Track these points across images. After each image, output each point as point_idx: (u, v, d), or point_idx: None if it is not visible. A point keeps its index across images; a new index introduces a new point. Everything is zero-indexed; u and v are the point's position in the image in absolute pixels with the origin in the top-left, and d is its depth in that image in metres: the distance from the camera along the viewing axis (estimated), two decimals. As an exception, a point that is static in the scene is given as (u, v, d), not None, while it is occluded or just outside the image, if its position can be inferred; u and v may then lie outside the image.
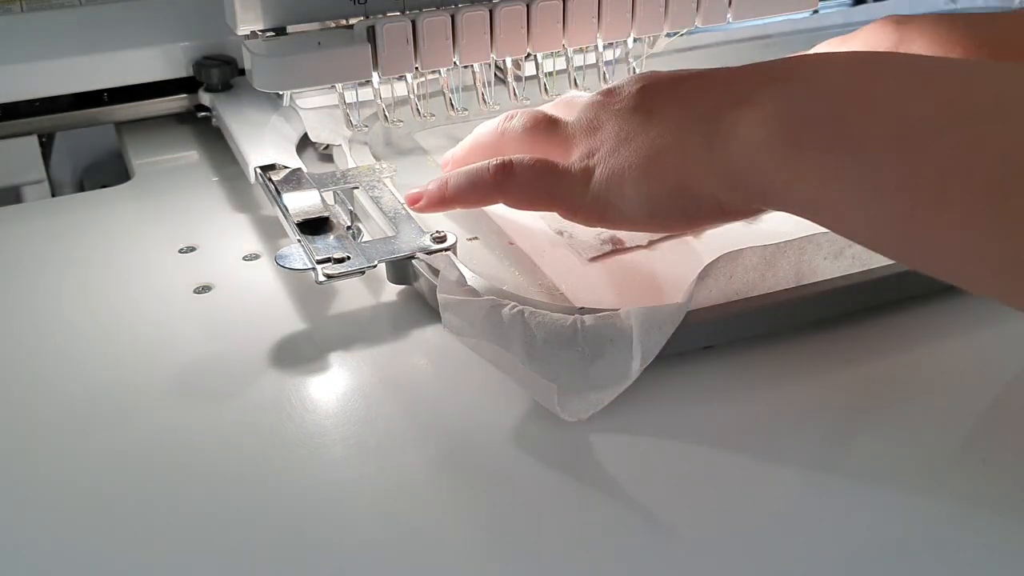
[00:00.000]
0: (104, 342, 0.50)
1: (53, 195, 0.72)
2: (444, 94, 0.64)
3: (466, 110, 0.66)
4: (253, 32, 0.58)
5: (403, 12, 0.58)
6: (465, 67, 0.62)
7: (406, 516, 0.40)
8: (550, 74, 0.67)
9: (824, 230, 0.47)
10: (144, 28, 0.70)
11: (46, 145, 0.73)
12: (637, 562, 0.38)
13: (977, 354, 0.49)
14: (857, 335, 0.49)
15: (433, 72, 0.62)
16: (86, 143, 0.76)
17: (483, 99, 0.65)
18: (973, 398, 0.46)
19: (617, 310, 0.46)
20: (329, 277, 0.49)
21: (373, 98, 0.62)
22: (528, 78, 0.68)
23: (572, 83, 0.68)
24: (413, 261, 0.51)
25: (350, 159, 0.62)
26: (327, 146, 0.64)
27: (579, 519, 0.40)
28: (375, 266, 0.50)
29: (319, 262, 0.50)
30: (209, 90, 0.69)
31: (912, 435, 0.44)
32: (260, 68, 0.57)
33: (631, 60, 0.70)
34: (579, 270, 0.54)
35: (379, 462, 0.42)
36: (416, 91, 0.64)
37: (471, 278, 0.48)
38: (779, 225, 0.52)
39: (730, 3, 0.66)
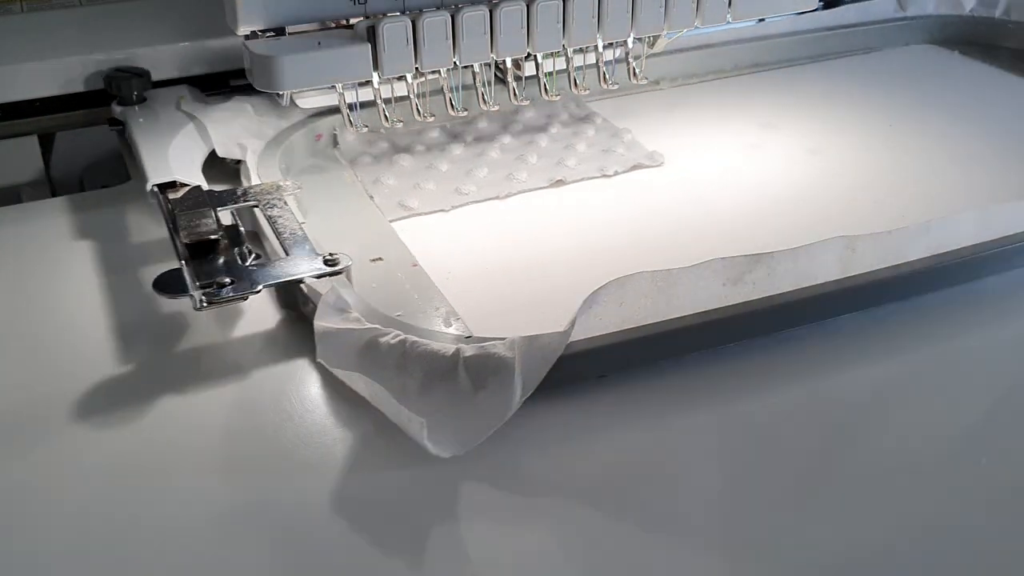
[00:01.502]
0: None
1: (54, 194, 0.70)
2: (444, 94, 0.64)
3: (466, 110, 0.65)
4: (253, 32, 0.57)
5: (403, 12, 0.58)
6: (465, 67, 0.62)
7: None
8: (550, 74, 0.67)
9: (727, 255, 0.46)
10: (55, 39, 0.68)
11: (46, 145, 0.71)
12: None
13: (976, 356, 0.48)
14: (763, 360, 0.47)
15: (433, 72, 0.62)
16: (86, 143, 0.74)
17: (483, 99, 0.65)
18: (973, 398, 0.45)
19: (503, 339, 0.44)
20: (209, 303, 0.47)
21: (373, 98, 0.62)
22: (528, 78, 0.68)
23: (572, 83, 0.68)
24: (302, 286, 0.49)
25: (255, 175, 0.60)
26: (237, 161, 0.62)
27: (453, 556, 0.38)
28: (258, 291, 0.48)
29: (202, 287, 0.48)
30: (122, 103, 0.67)
31: (912, 435, 0.43)
32: (260, 68, 0.56)
33: (631, 60, 0.70)
34: (481, 295, 0.52)
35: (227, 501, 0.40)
36: (416, 91, 0.63)
37: (357, 305, 0.46)
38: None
39: (730, 3, 0.66)
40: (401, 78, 0.62)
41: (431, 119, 0.65)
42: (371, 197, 0.61)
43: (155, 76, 0.69)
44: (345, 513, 0.39)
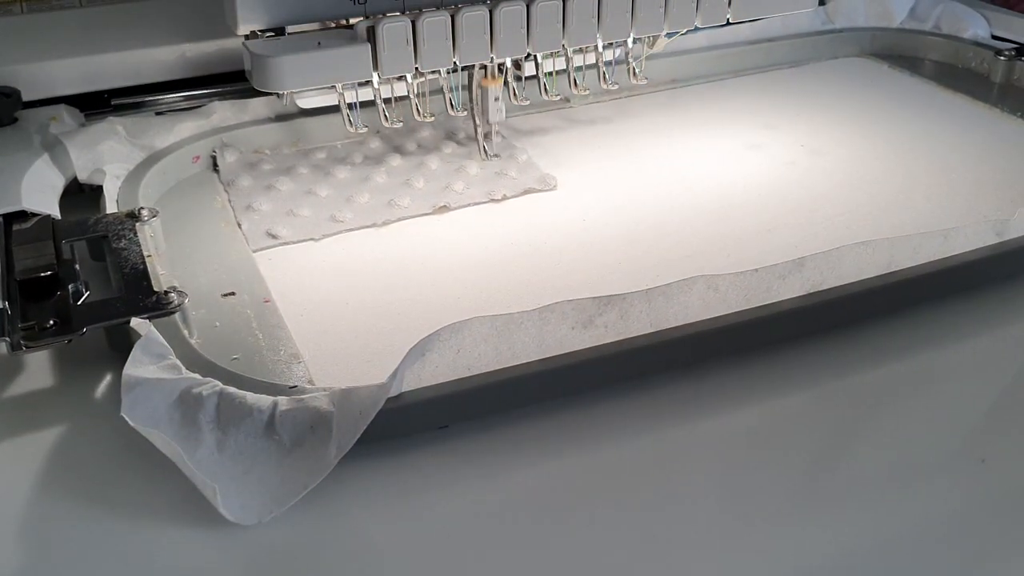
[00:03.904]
0: None
1: None
2: (443, 94, 0.63)
3: (465, 110, 0.65)
4: (253, 32, 0.57)
5: (403, 12, 0.59)
6: (465, 68, 0.62)
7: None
8: (550, 74, 0.66)
9: (577, 297, 0.43)
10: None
11: None
12: None
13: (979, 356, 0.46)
14: (616, 408, 0.44)
15: (433, 72, 0.61)
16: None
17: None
18: (973, 398, 0.44)
19: (326, 390, 0.41)
20: (23, 347, 0.44)
21: (373, 98, 0.62)
22: (528, 78, 0.67)
23: (572, 83, 0.67)
24: (132, 326, 0.46)
25: (111, 203, 0.56)
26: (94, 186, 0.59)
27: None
28: (81, 333, 0.45)
29: (24, 329, 0.45)
30: (-10, 123, 0.64)
31: (912, 435, 0.43)
32: (260, 68, 0.56)
33: (631, 60, 0.69)
34: (335, 335, 0.49)
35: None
36: (416, 91, 0.63)
37: (180, 350, 0.43)
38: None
39: (729, 3, 0.66)
40: (401, 78, 0.61)
41: (431, 119, 0.64)
42: (239, 224, 0.58)
43: (32, 95, 0.66)
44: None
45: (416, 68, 0.59)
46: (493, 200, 0.61)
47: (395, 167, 0.65)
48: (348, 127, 0.62)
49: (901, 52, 0.84)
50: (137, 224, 0.53)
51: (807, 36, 0.84)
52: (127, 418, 0.40)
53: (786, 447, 0.42)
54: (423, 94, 0.63)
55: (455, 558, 0.37)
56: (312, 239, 0.57)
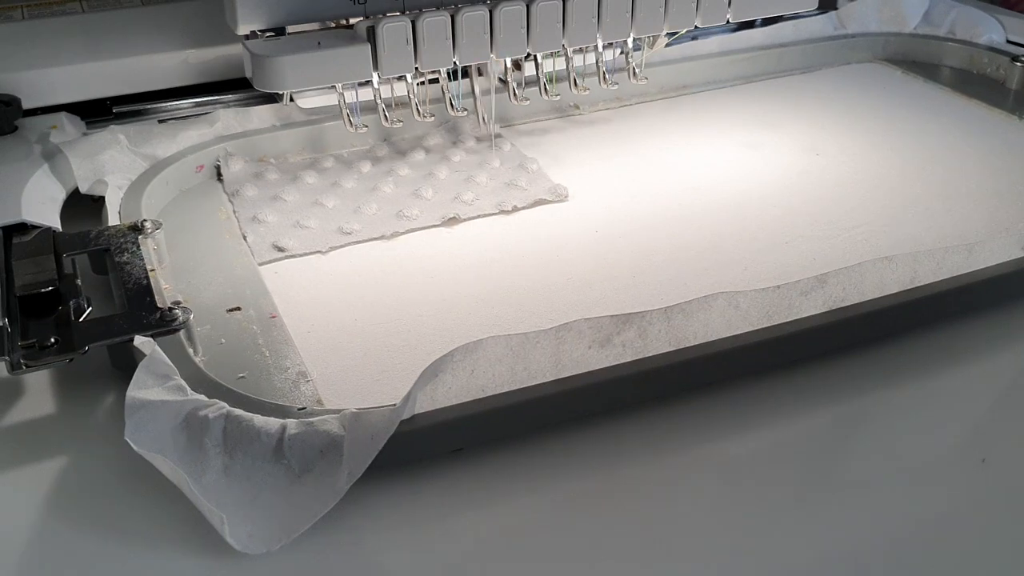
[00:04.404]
0: None
1: None
2: (444, 94, 0.64)
3: (466, 110, 0.65)
4: (253, 32, 0.57)
5: (403, 12, 0.59)
6: (465, 68, 0.63)
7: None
8: (550, 74, 0.66)
9: (592, 315, 0.41)
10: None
11: None
12: None
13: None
14: (621, 432, 0.43)
15: (433, 72, 0.62)
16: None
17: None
18: (973, 398, 0.44)
19: (338, 412, 0.39)
20: (25, 366, 0.43)
21: (373, 98, 0.62)
22: (528, 78, 0.67)
23: (572, 83, 0.67)
24: (136, 344, 0.45)
25: (113, 215, 0.55)
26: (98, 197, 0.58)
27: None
28: (84, 352, 0.44)
29: (24, 347, 0.44)
30: (-11, 132, 0.63)
31: (911, 435, 0.42)
32: (260, 68, 0.56)
33: (631, 60, 0.69)
34: (344, 351, 0.48)
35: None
36: (416, 91, 0.63)
37: (185, 370, 0.42)
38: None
39: (729, 3, 0.66)
40: (401, 78, 0.62)
41: (431, 119, 0.64)
42: (244, 236, 0.57)
43: (32, 103, 0.65)
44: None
45: (416, 68, 0.59)
46: (503, 211, 0.60)
47: (403, 176, 0.63)
48: (348, 127, 0.62)
49: (914, 58, 0.83)
50: (140, 237, 0.52)
51: (819, 41, 0.82)
52: (131, 442, 0.38)
53: (808, 466, 0.41)
54: (424, 85, 0.63)
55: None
56: (319, 252, 0.56)
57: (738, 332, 0.44)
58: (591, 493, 0.40)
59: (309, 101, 0.66)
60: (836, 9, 0.86)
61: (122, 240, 0.52)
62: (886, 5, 0.85)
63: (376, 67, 0.58)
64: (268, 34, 0.58)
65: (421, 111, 0.64)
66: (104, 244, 0.52)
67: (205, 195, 0.62)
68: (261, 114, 0.66)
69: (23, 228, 0.53)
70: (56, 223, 0.54)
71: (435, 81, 0.63)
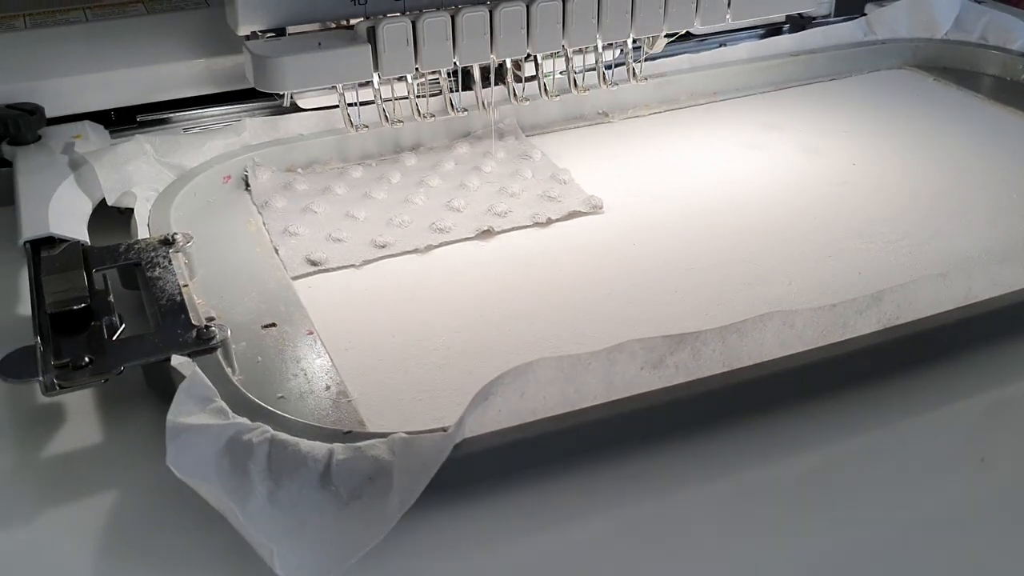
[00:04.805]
0: None
1: None
2: (444, 94, 0.64)
3: (465, 110, 0.66)
4: (254, 32, 0.57)
5: (403, 12, 0.59)
6: (465, 68, 0.63)
7: None
8: (550, 74, 0.66)
9: (636, 332, 0.40)
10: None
11: None
12: None
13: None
14: (689, 453, 0.41)
15: (433, 72, 0.62)
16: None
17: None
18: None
19: (386, 435, 0.38)
20: (60, 388, 0.41)
21: (373, 98, 0.62)
22: (528, 78, 0.67)
23: (572, 83, 0.67)
24: (174, 365, 0.43)
25: (143, 228, 0.54)
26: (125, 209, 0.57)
27: None
28: (119, 372, 0.42)
29: (57, 367, 0.42)
30: (14, 142, 0.61)
31: (912, 434, 0.42)
32: (261, 68, 0.56)
33: (631, 60, 0.69)
34: (384, 370, 0.46)
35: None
36: (416, 91, 0.63)
37: (225, 391, 0.41)
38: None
39: (729, 3, 0.66)
40: (401, 78, 0.61)
41: (431, 119, 0.64)
42: (276, 250, 0.56)
43: (55, 112, 0.64)
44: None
45: (416, 68, 0.59)
46: (538, 224, 0.59)
47: (434, 187, 0.62)
48: (348, 128, 0.62)
49: (946, 64, 0.82)
50: (171, 250, 0.51)
51: (849, 48, 0.81)
52: (173, 468, 0.37)
53: (860, 488, 0.40)
54: (423, 95, 0.63)
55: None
56: (353, 266, 0.54)
57: (791, 352, 0.43)
58: (644, 518, 0.39)
59: (310, 101, 0.66)
60: (865, 15, 0.84)
61: (153, 254, 0.51)
62: (916, 10, 0.83)
63: (376, 67, 0.58)
64: (269, 34, 0.58)
65: (422, 111, 0.64)
66: (134, 258, 0.51)
67: (233, 206, 0.60)
68: (288, 124, 0.65)
69: (51, 242, 0.51)
70: (84, 236, 0.53)
71: (436, 95, 0.63)
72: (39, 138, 0.62)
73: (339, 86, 0.60)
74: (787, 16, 0.85)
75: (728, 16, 0.66)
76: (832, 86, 0.79)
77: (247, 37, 0.57)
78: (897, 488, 0.40)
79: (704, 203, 0.61)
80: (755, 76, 0.78)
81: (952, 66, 0.81)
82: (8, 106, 0.62)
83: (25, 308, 0.52)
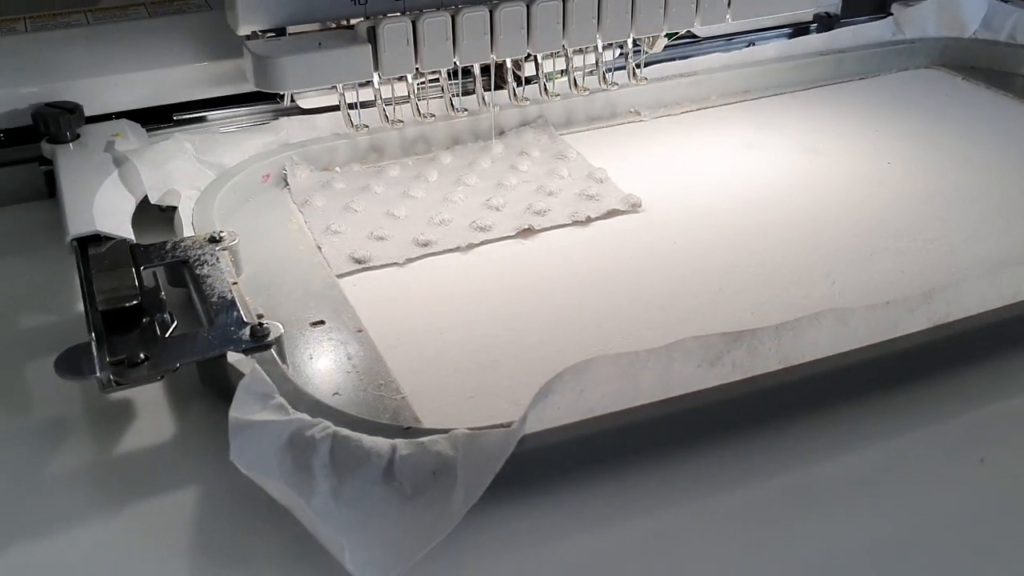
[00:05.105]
0: None
1: None
2: (444, 94, 0.64)
3: (466, 110, 0.66)
4: (254, 32, 0.57)
5: (403, 12, 0.58)
6: (465, 68, 0.63)
7: None
8: (550, 74, 0.66)
9: (684, 331, 0.40)
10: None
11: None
12: None
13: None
14: (746, 450, 0.42)
15: (433, 72, 0.62)
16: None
17: (483, 100, 0.65)
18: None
19: (447, 431, 0.38)
20: (116, 385, 0.42)
21: (373, 98, 0.62)
22: (528, 78, 0.67)
23: (572, 83, 0.67)
24: (231, 362, 0.43)
25: (188, 226, 0.54)
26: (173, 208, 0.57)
27: None
28: (175, 369, 0.43)
29: (112, 364, 0.42)
30: (52, 141, 0.61)
31: (912, 434, 0.42)
32: (261, 68, 0.56)
33: (631, 60, 0.69)
34: (434, 367, 0.47)
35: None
36: (416, 91, 0.63)
37: (283, 387, 0.41)
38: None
39: (729, 3, 0.66)
40: (401, 78, 0.61)
41: (431, 119, 0.64)
42: (319, 248, 0.56)
43: (92, 110, 0.64)
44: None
45: (416, 68, 0.59)
46: (577, 222, 0.59)
47: (472, 186, 0.62)
48: (349, 128, 0.62)
49: (974, 63, 0.82)
50: (218, 248, 0.51)
51: (877, 47, 0.81)
52: (237, 464, 0.37)
53: (912, 484, 0.40)
54: (423, 86, 0.63)
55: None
56: (396, 264, 0.55)
57: (844, 350, 0.43)
58: (704, 513, 0.39)
59: (310, 101, 0.66)
60: (891, 15, 0.84)
61: (200, 252, 0.51)
62: (944, 10, 0.83)
63: (377, 67, 0.58)
64: (269, 34, 0.57)
65: (422, 111, 0.64)
66: (182, 256, 0.51)
67: (273, 205, 0.61)
68: (324, 123, 0.65)
69: (96, 239, 0.52)
70: (129, 233, 0.53)
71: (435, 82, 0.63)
72: (78, 136, 0.62)
73: (339, 86, 0.60)
74: (814, 15, 0.85)
75: (728, 16, 0.66)
76: (862, 85, 0.79)
77: (247, 37, 0.57)
78: (900, 489, 0.40)
79: (740, 202, 0.61)
80: (785, 75, 0.78)
81: (980, 65, 0.81)
82: (47, 105, 0.62)
83: (71, 304, 0.52)
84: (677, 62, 0.76)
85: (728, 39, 0.83)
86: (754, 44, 0.81)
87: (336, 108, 0.63)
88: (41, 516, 0.39)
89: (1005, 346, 0.47)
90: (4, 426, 0.44)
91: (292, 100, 0.67)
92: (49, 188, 0.62)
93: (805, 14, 0.84)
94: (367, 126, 0.63)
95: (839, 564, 0.37)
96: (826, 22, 0.85)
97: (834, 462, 0.42)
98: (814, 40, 0.80)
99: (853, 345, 0.43)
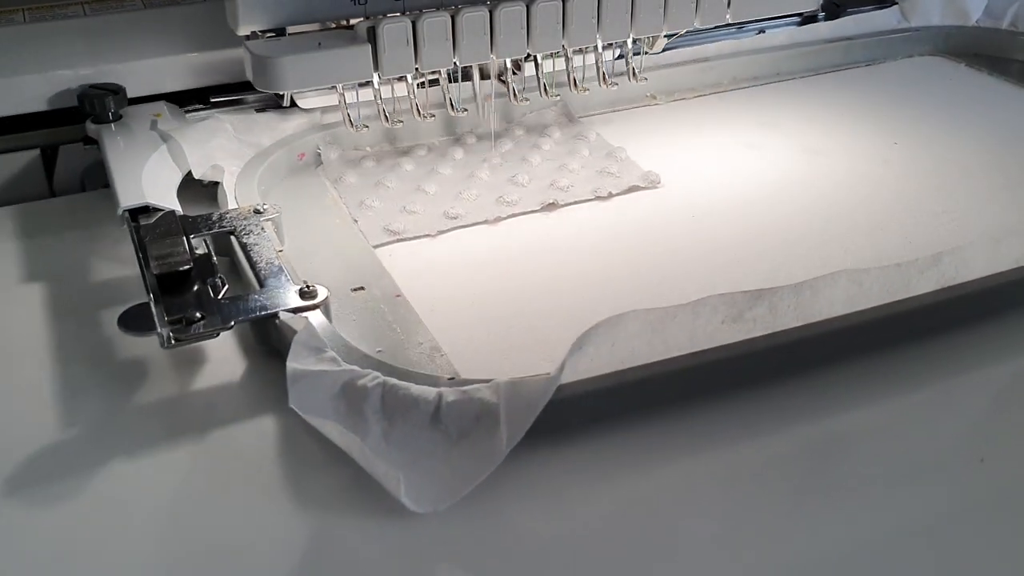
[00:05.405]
0: None
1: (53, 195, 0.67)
2: (444, 93, 0.64)
3: (466, 110, 0.66)
4: (254, 32, 0.57)
5: (403, 12, 0.58)
6: (465, 68, 0.63)
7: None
8: (550, 74, 0.67)
9: (730, 283, 0.43)
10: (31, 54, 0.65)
11: (50, 156, 0.67)
12: None
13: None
14: (768, 401, 0.44)
15: (433, 72, 0.62)
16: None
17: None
18: (972, 398, 0.44)
19: (488, 381, 0.41)
20: (176, 341, 0.44)
21: (373, 98, 0.62)
22: (528, 78, 0.68)
23: (572, 83, 0.67)
24: (277, 321, 0.46)
25: (231, 199, 0.57)
26: (214, 183, 0.60)
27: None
28: (230, 327, 0.45)
29: (170, 323, 0.45)
30: (97, 121, 0.64)
31: (912, 434, 0.43)
32: (260, 68, 0.56)
33: (630, 60, 0.69)
34: (469, 328, 0.49)
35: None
36: (416, 91, 0.63)
37: (333, 342, 0.44)
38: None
39: (729, 3, 0.66)
40: (401, 78, 0.61)
41: (431, 119, 0.64)
42: (355, 221, 0.59)
43: (133, 92, 0.67)
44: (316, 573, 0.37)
45: (416, 68, 0.59)
46: (599, 197, 0.62)
47: (497, 164, 0.65)
48: (349, 127, 0.63)
49: (977, 51, 0.84)
50: (262, 219, 0.54)
51: (883, 35, 0.84)
52: (297, 409, 0.40)
53: (922, 439, 0.43)
54: (423, 84, 0.63)
55: (608, 552, 0.38)
56: (428, 235, 0.57)
57: (859, 308, 0.46)
58: (726, 463, 0.42)
59: (310, 101, 0.67)
60: (896, 3, 0.87)
61: (245, 222, 0.54)
62: (948, -2, 0.86)
63: (376, 67, 0.58)
64: (269, 34, 0.57)
65: (422, 111, 0.64)
66: (228, 226, 0.53)
67: (309, 182, 0.63)
68: (353, 107, 0.68)
69: (145, 211, 0.54)
70: (176, 205, 0.55)
71: (435, 83, 0.64)
72: (120, 117, 0.65)
73: (339, 86, 0.60)
74: (822, 4, 0.88)
75: (728, 16, 0.67)
76: (868, 72, 0.82)
77: (247, 37, 0.57)
78: (898, 487, 0.41)
79: (754, 179, 0.64)
80: (794, 62, 0.81)
81: (984, 52, 0.84)
82: (91, 86, 0.65)
83: (123, 272, 0.55)
84: (688, 48, 0.78)
85: (740, 27, 0.85)
86: (764, 32, 0.83)
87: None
88: (125, 441, 0.43)
89: (1010, 307, 0.49)
90: (88, 369, 0.47)
91: (292, 100, 0.68)
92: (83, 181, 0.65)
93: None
94: (367, 126, 0.64)
95: (857, 508, 0.39)
96: (833, 10, 0.88)
97: (849, 413, 0.44)
98: (822, 28, 0.83)
99: (867, 304, 0.46)
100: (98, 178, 0.66)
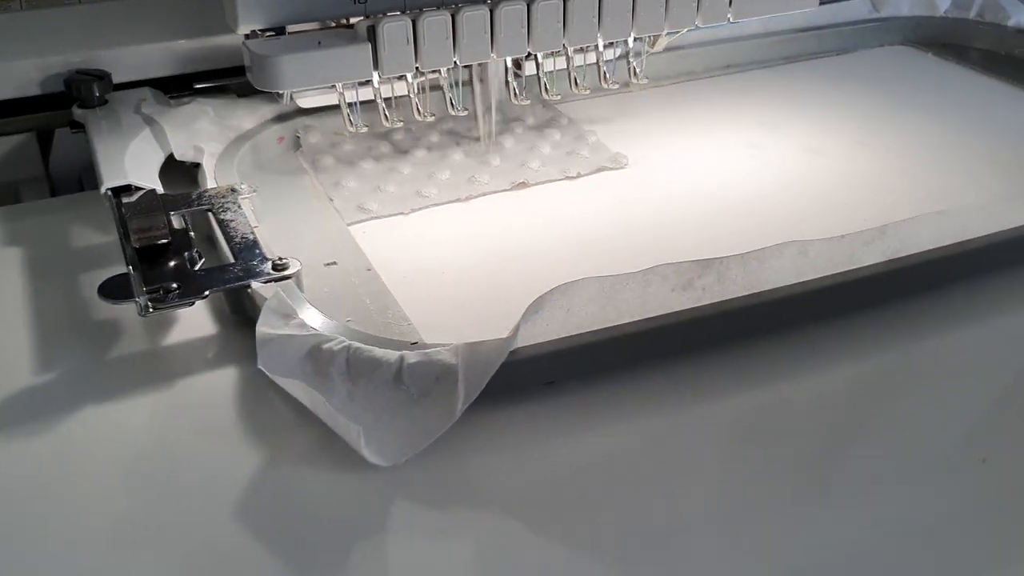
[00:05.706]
0: None
1: (53, 194, 0.69)
2: (444, 93, 0.64)
3: (466, 109, 0.65)
4: (253, 31, 0.57)
5: (403, 12, 0.58)
6: (465, 67, 0.63)
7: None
8: (550, 74, 0.67)
9: (673, 260, 0.45)
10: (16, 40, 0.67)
11: (46, 143, 0.70)
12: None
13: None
14: (702, 369, 0.47)
15: (433, 72, 0.62)
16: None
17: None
18: (973, 398, 0.45)
19: (448, 345, 0.43)
20: (153, 308, 0.46)
21: (373, 98, 0.62)
22: (528, 78, 0.68)
23: (572, 83, 0.67)
24: (250, 291, 0.48)
25: (211, 179, 0.59)
26: (196, 164, 0.62)
27: (383, 570, 0.37)
28: (205, 296, 0.47)
29: (148, 292, 0.47)
30: (83, 106, 0.66)
31: (912, 435, 0.43)
32: (260, 68, 0.56)
33: (631, 60, 0.70)
34: (437, 298, 0.52)
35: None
36: (416, 91, 0.63)
37: (303, 310, 0.46)
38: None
39: (730, 2, 0.66)
40: (401, 78, 0.62)
41: (431, 118, 0.65)
42: (330, 200, 0.61)
43: (120, 78, 0.69)
44: (273, 523, 0.39)
45: (417, 68, 0.59)
46: (568, 177, 0.64)
47: (470, 147, 0.67)
48: (348, 127, 0.63)
49: (945, 40, 0.87)
50: (239, 198, 0.56)
51: (854, 24, 0.86)
52: (264, 370, 0.42)
53: (872, 408, 0.45)
54: (423, 90, 0.63)
55: (560, 501, 0.40)
56: (402, 213, 0.60)
57: (806, 279, 0.48)
58: (673, 425, 0.44)
59: (309, 100, 0.68)
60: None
61: (223, 200, 0.56)
62: (917, -11, 0.88)
63: (376, 67, 0.58)
64: (268, 33, 0.57)
65: (422, 111, 0.64)
66: (206, 204, 0.56)
67: (287, 164, 0.65)
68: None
69: (127, 190, 0.57)
70: (158, 185, 0.58)
71: (436, 87, 0.64)
72: (106, 102, 0.67)
73: (339, 85, 0.60)
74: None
75: (729, 15, 0.67)
76: (838, 60, 0.84)
77: (247, 36, 0.57)
78: (897, 487, 0.42)
79: (722, 162, 0.66)
80: (766, 50, 0.83)
81: (950, 42, 0.86)
82: (78, 72, 0.67)
83: (96, 243, 0.57)
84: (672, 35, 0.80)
85: (672, 33, 0.86)
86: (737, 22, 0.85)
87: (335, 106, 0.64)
88: (98, 388, 0.46)
89: (954, 279, 0.52)
90: (72, 326, 0.50)
91: (292, 99, 0.69)
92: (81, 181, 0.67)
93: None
94: (367, 127, 0.64)
95: (806, 468, 0.42)
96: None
97: (793, 381, 0.46)
98: (794, 17, 0.85)
99: (813, 275, 0.48)
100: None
